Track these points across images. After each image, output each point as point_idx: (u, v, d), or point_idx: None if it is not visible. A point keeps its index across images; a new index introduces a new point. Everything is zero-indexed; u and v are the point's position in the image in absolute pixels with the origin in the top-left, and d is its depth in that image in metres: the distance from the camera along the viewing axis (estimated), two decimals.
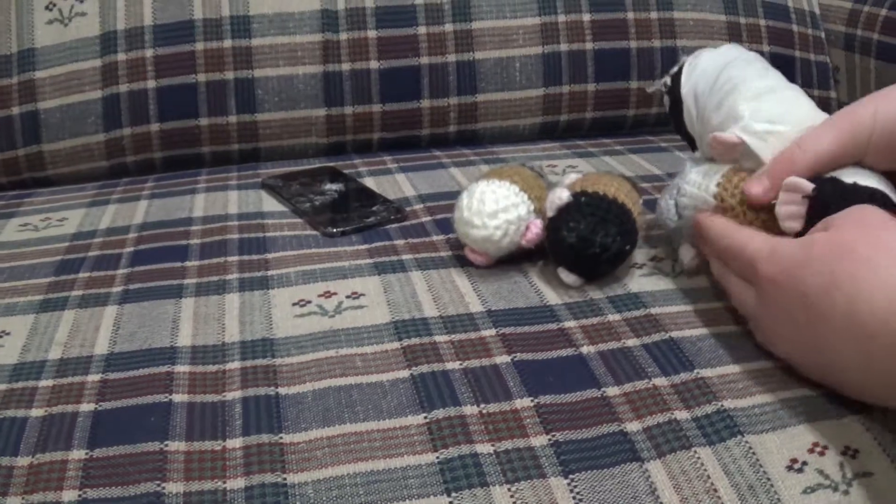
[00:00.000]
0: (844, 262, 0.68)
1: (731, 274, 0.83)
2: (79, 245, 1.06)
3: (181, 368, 0.81)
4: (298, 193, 1.15)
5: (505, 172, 0.96)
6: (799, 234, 0.78)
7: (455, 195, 0.99)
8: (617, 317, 0.86)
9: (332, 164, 1.27)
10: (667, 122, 1.38)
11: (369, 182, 1.21)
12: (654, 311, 0.87)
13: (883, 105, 0.80)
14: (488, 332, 0.84)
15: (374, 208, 1.10)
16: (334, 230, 1.05)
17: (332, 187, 1.17)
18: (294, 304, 0.89)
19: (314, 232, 1.06)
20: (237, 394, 0.77)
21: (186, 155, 1.35)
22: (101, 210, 1.16)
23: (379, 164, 1.29)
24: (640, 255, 0.98)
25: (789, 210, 0.80)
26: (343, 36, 1.34)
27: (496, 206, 0.92)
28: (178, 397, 0.77)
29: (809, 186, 0.79)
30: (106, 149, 1.33)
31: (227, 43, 1.32)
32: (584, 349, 0.82)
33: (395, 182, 1.21)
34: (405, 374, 0.79)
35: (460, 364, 0.80)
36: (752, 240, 0.80)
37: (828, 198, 0.78)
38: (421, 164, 1.28)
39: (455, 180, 1.20)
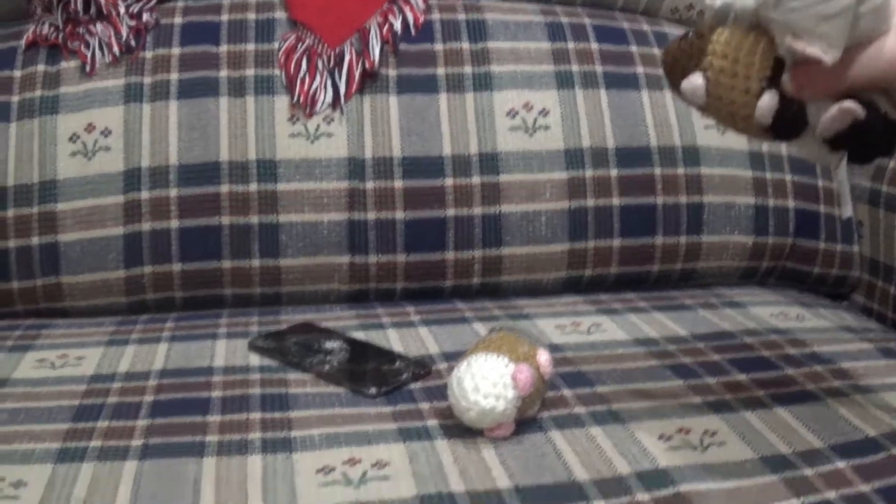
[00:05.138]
0: None
1: None
2: (97, 389, 1.05)
3: None
4: (303, 354, 1.12)
5: (473, 350, 0.97)
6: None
7: None
8: (646, 496, 0.85)
9: (306, 319, 1.25)
10: (690, 279, 1.38)
11: (392, 335, 1.20)
12: (683, 488, 0.85)
13: None
14: None
15: (398, 365, 1.09)
16: (376, 390, 1.03)
17: (334, 345, 1.15)
18: (318, 472, 0.88)
19: (337, 390, 1.04)
20: None
21: (207, 296, 1.34)
22: (119, 350, 1.15)
23: (402, 314, 1.28)
24: (666, 426, 0.96)
25: (832, 127, 0.80)
26: (370, 185, 1.34)
27: (474, 381, 0.92)
28: None
29: (863, 114, 0.79)
30: (125, 285, 1.32)
31: (253, 187, 1.32)
32: None
33: (418, 336, 1.20)
34: None
35: None
36: None
37: (871, 127, 0.81)
38: (444, 318, 1.27)
39: (479, 336, 1.18)
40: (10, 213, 1.31)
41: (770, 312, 1.31)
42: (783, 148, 1.48)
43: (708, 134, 1.45)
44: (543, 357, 0.96)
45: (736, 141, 1.45)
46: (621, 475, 0.88)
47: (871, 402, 1.03)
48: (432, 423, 0.97)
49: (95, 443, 0.93)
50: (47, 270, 1.31)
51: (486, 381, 0.92)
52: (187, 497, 0.84)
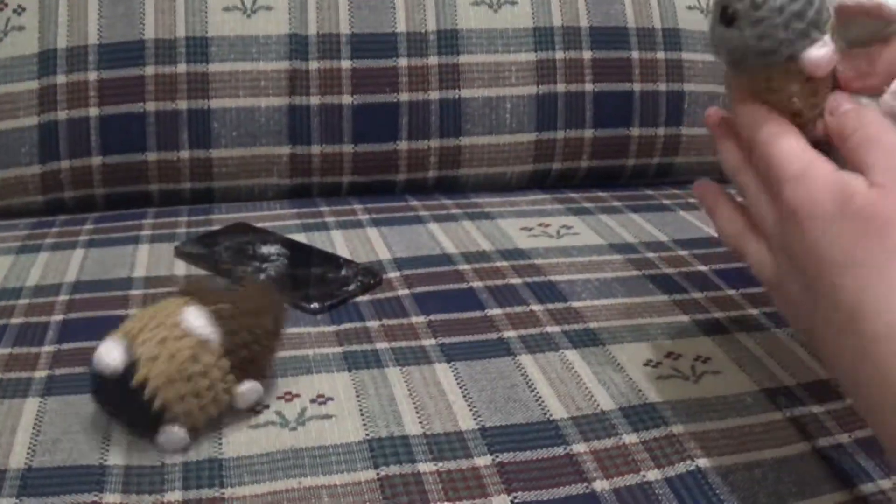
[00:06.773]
0: (872, 244, 0.59)
1: (750, 172, 0.69)
2: (1, 307, 0.92)
3: (110, 499, 0.67)
4: (235, 261, 1.01)
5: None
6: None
7: (437, 260, 0.90)
8: (634, 438, 0.74)
9: (240, 219, 1.14)
10: (666, 175, 1.28)
11: (337, 237, 1.09)
12: (675, 430, 0.75)
13: None
14: (482, 461, 0.71)
15: (345, 273, 0.97)
16: (318, 305, 0.92)
17: (271, 250, 1.04)
18: (248, 409, 0.76)
19: None
20: None
21: (131, 192, 1.23)
22: (31, 259, 1.03)
23: (348, 213, 1.18)
24: (653, 350, 0.86)
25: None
26: (313, 65, 1.23)
27: None
28: None
29: None
30: (41, 183, 1.21)
31: (182, 68, 1.21)
32: (598, 485, 0.69)
33: (366, 239, 1.09)
34: None
35: None
36: (780, 138, 0.66)
37: None
38: (396, 218, 1.16)
39: (435, 240, 1.07)
40: None
41: None
42: None
43: (691, 16, 1.35)
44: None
45: None
46: (604, 411, 0.77)
47: None
48: (382, 345, 0.85)
49: None
50: None
51: None
52: (94, 445, 0.72)
